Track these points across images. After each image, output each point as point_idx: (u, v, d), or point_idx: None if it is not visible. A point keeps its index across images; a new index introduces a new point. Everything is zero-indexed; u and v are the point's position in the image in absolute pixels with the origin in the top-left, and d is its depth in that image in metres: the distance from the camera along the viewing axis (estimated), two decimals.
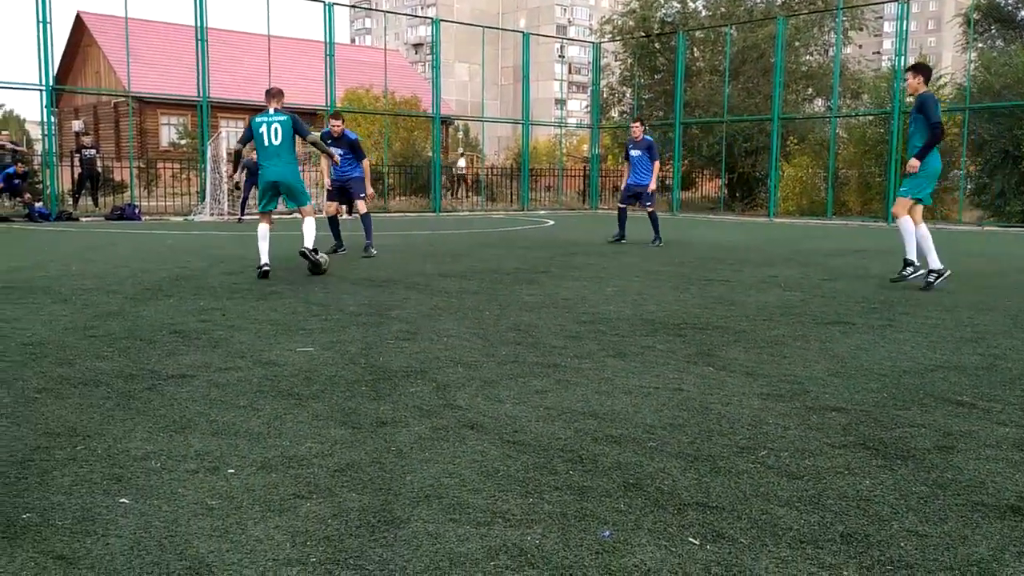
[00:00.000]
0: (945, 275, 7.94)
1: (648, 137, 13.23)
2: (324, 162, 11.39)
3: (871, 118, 24.89)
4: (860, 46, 38.47)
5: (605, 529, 2.47)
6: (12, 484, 2.75)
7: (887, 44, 77.94)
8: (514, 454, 3.12)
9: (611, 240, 13.50)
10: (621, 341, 5.28)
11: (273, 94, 8.57)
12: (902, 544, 2.39)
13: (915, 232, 7.95)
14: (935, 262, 7.92)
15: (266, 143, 8.36)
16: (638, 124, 13.16)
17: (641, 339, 5.35)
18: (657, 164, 13.09)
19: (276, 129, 8.32)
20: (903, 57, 22.35)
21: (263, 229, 8.49)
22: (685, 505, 2.65)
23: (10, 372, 4.23)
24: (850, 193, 25.39)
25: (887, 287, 8.14)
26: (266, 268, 8.23)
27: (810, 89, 30.26)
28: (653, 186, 13.11)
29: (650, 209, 13.18)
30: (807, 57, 30.29)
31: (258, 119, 8.43)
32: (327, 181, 11.47)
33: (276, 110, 8.47)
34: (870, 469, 3.00)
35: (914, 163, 7.81)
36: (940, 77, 25.39)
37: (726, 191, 28.77)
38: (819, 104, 30.77)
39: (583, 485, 2.82)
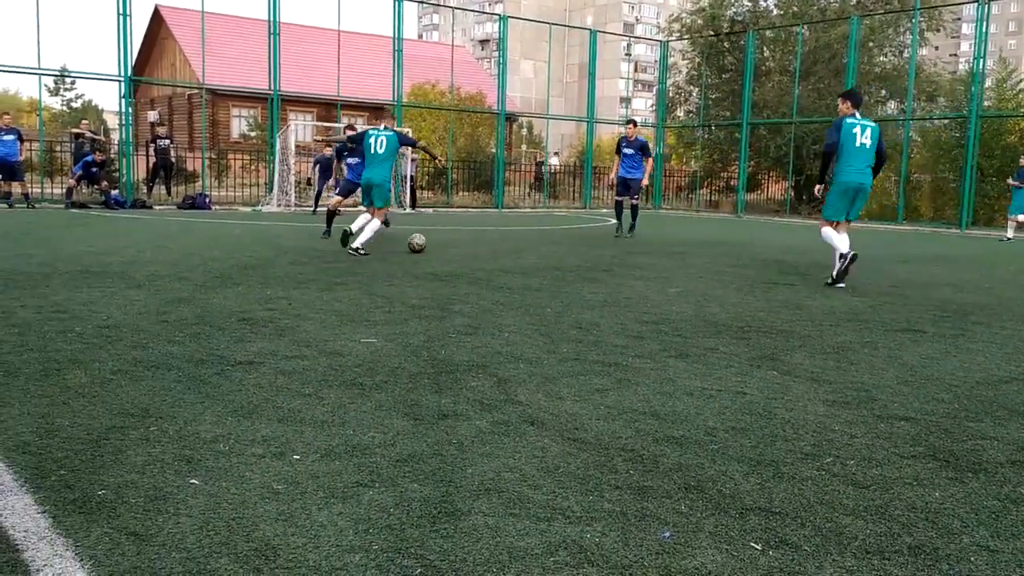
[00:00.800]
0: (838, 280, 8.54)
1: (641, 138, 14.40)
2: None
3: (946, 122, 24.19)
4: (937, 48, 37.39)
5: (665, 530, 2.45)
6: (88, 461, 2.85)
7: (965, 46, 75.58)
8: (574, 451, 3.12)
9: (616, 235, 14.28)
10: (683, 342, 5.23)
11: (386, 116, 10.70)
12: (972, 559, 2.32)
13: (830, 235, 8.74)
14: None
15: (373, 151, 10.29)
16: (632, 125, 14.73)
17: (704, 341, 5.29)
18: (650, 161, 14.38)
19: (382, 141, 10.29)
20: (982, 60, 21.65)
21: (364, 218, 10.47)
22: (747, 509, 2.62)
23: (87, 353, 4.38)
24: (922, 198, 24.74)
25: (959, 294, 7.91)
26: (351, 243, 9.98)
27: (883, 91, 29.52)
28: (645, 181, 14.44)
29: (635, 201, 14.35)
30: (881, 58, 29.53)
31: (372, 131, 10.46)
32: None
33: (387, 127, 10.61)
34: (940, 481, 2.92)
35: (817, 189, 9.02)
36: (1020, 81, 24.55)
37: (792, 193, 28.26)
38: (892, 106, 30.01)
39: (643, 485, 2.80)
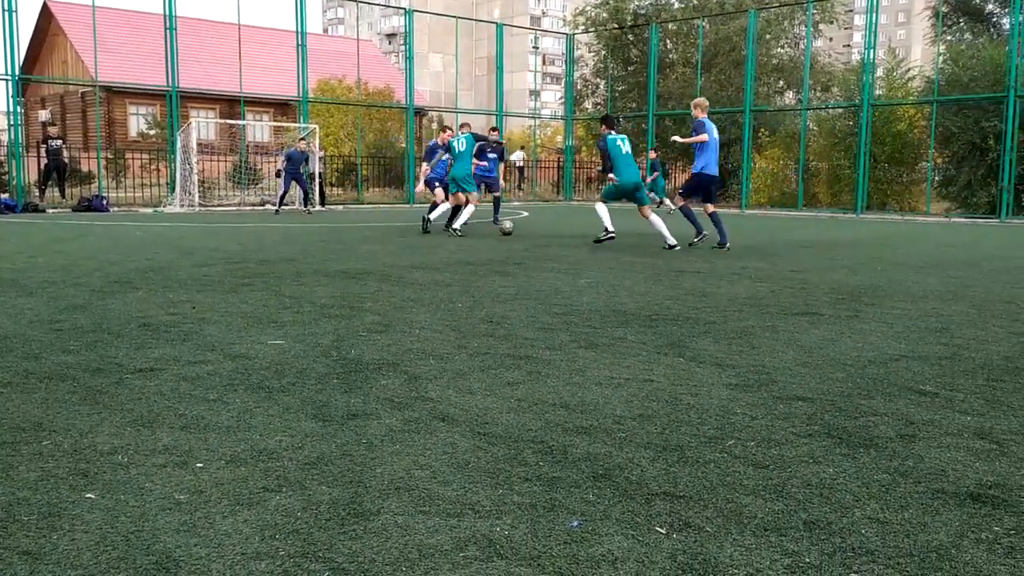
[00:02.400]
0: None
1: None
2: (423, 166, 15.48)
3: (841, 111, 25.15)
4: (831, 39, 38.82)
5: (574, 519, 2.49)
6: None
7: (857, 37, 78.62)
8: (484, 446, 3.14)
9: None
10: (593, 332, 5.31)
11: (463, 125, 14.32)
12: (863, 531, 2.43)
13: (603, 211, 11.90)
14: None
15: (456, 152, 13.35)
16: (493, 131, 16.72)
17: (613, 330, 5.38)
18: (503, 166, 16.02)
19: (463, 142, 13.36)
20: (873, 50, 22.57)
21: (471, 208, 13.31)
22: (653, 495, 2.68)
23: None
24: (820, 185, 25.66)
25: (855, 277, 8.25)
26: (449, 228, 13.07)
27: (781, 82, 30.54)
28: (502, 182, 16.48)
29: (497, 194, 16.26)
30: (778, 50, 30.53)
31: (453, 139, 13.57)
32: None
33: (465, 133, 13.72)
34: (834, 457, 3.05)
35: (610, 178, 11.75)
36: (909, 70, 25.70)
37: None
38: (790, 97, 31.06)
39: (552, 476, 2.84)
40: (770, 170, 26.42)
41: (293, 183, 19.86)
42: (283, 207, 19.73)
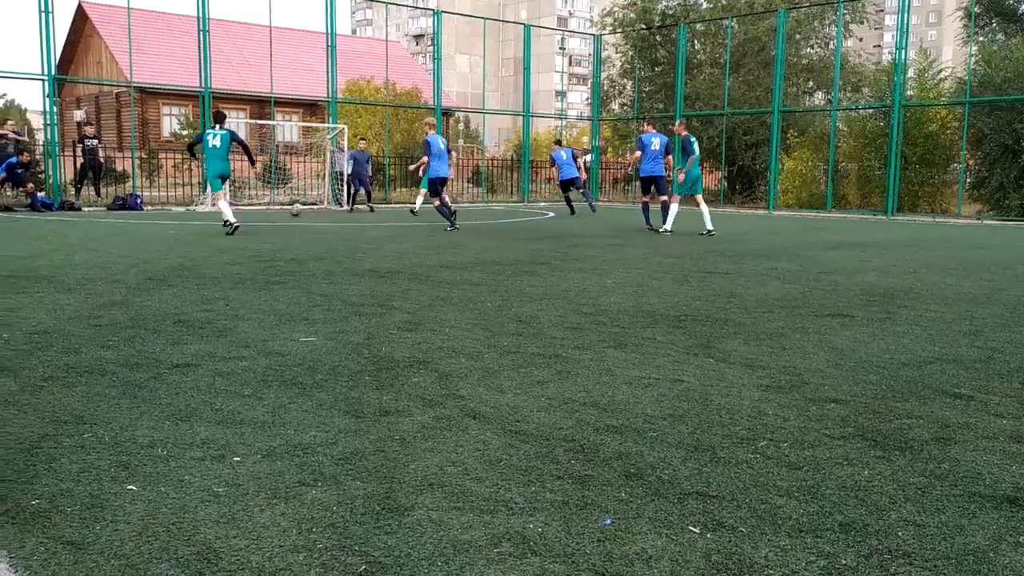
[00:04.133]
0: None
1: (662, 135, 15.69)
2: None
3: (871, 111, 24.89)
4: (861, 39, 38.41)
5: (606, 517, 2.50)
6: (21, 471, 2.78)
7: (888, 37, 77.78)
8: (516, 443, 3.16)
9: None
10: (622, 332, 5.31)
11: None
12: (899, 533, 2.42)
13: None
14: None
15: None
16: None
17: (641, 331, 5.38)
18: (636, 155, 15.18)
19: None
20: (904, 51, 22.33)
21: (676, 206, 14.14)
22: (685, 494, 2.69)
23: (16, 360, 4.26)
24: (850, 186, 25.42)
25: (886, 279, 8.18)
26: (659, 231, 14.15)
27: (811, 82, 30.27)
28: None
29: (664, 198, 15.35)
30: (808, 50, 30.28)
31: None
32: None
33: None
34: (868, 460, 3.03)
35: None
36: (940, 71, 25.39)
37: (725, 184, 28.78)
38: (819, 97, 30.78)
39: (584, 474, 2.85)
40: (798, 171, 26.19)
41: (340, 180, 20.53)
42: (355, 206, 20.73)
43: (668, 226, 13.98)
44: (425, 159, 14.13)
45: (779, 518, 2.51)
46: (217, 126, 12.83)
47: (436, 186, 14.29)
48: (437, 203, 14.41)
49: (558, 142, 21.99)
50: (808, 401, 3.79)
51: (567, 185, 20.25)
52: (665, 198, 14.42)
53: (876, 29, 44.83)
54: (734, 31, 28.30)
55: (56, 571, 2.12)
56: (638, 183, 17.09)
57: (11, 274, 7.46)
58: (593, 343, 4.98)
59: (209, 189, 15.65)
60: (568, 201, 20.62)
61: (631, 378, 4.16)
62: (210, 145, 12.68)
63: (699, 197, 14.44)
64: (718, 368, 4.40)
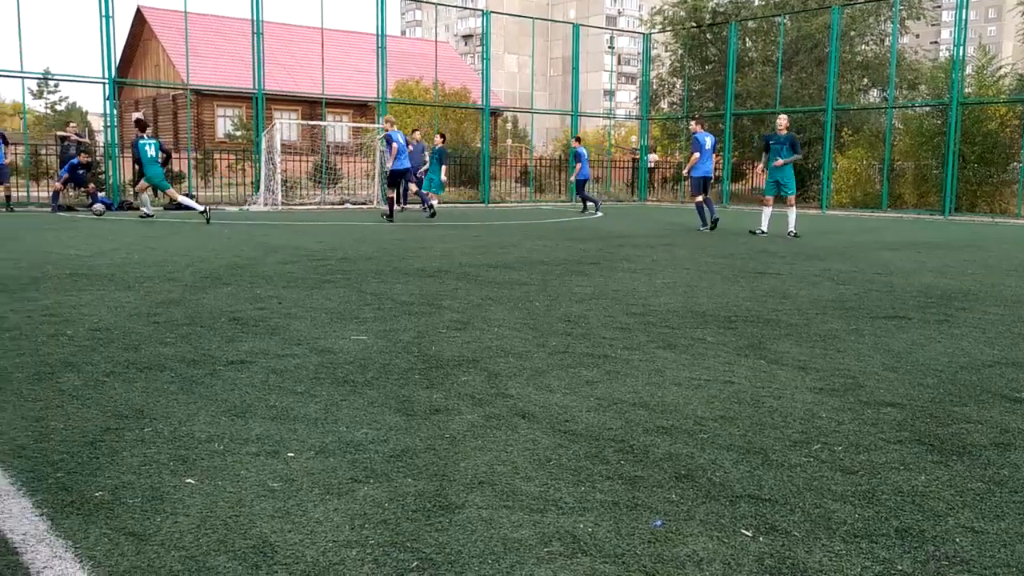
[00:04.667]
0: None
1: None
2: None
3: (928, 109, 24.35)
4: (917, 36, 37.60)
5: (657, 519, 2.50)
6: (84, 464, 2.87)
7: (945, 33, 76.01)
8: (565, 443, 3.16)
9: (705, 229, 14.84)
10: (671, 333, 5.28)
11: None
12: (958, 540, 2.38)
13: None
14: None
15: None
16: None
17: (691, 331, 5.34)
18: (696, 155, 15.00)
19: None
20: (962, 47, 21.80)
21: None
22: (737, 497, 2.67)
23: (80, 356, 4.39)
24: (905, 185, 24.90)
25: (944, 280, 8.00)
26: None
27: (865, 79, 29.68)
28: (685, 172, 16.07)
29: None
30: (863, 47, 29.69)
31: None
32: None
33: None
34: (926, 465, 2.98)
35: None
36: (1000, 67, 24.73)
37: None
38: (875, 95, 30.18)
39: (634, 475, 2.85)
40: (852, 170, 25.72)
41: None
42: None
43: (764, 227, 13.84)
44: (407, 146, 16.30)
45: (834, 522, 2.48)
46: (145, 135, 15.43)
47: (397, 179, 16.44)
48: (392, 194, 16.52)
49: (578, 139, 22.10)
50: (863, 404, 3.73)
51: (584, 185, 21.05)
52: (700, 198, 14.85)
53: (933, 25, 43.86)
54: (786, 28, 27.89)
55: (119, 561, 2.18)
56: (687, 182, 17.25)
57: (74, 272, 7.67)
58: (642, 343, 4.96)
59: (159, 190, 16.95)
60: (585, 200, 21.12)
61: (681, 379, 4.13)
62: (149, 155, 15.42)
63: (791, 198, 13.96)
64: (770, 370, 4.35)
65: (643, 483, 2.77)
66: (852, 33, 28.26)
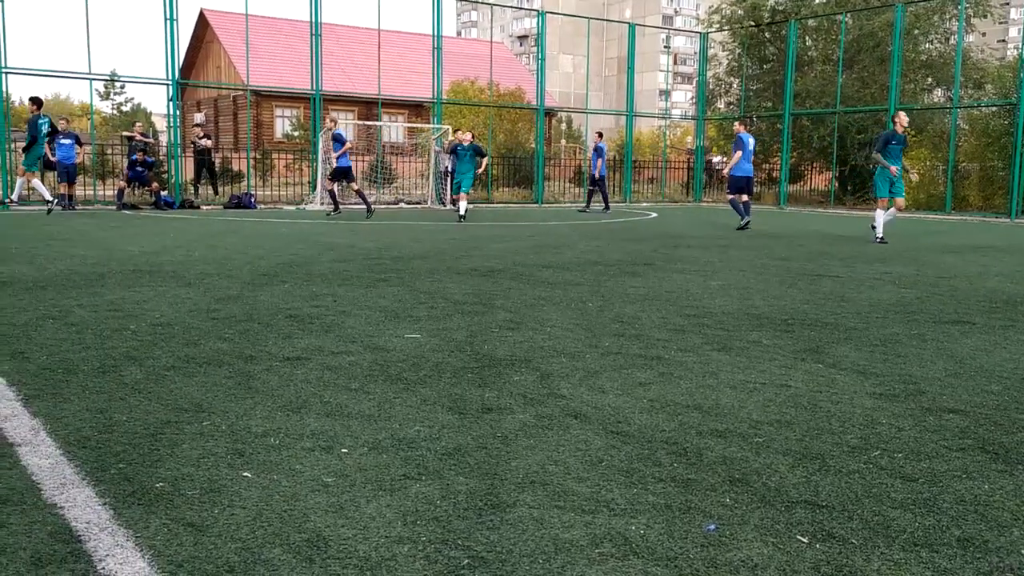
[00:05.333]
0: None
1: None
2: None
3: (995, 109, 23.66)
4: (984, 34, 36.56)
5: (710, 523, 2.46)
6: (146, 455, 2.94)
7: (1013, 32, 73.72)
8: (618, 444, 3.14)
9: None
10: (726, 335, 5.21)
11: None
12: (1022, 551, 2.30)
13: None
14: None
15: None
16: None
17: (747, 334, 5.27)
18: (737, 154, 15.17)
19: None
20: None
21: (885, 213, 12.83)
22: (793, 503, 2.62)
23: (142, 351, 4.50)
24: (971, 187, 24.24)
25: (1010, 285, 7.76)
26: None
27: (929, 79, 28.92)
28: (725, 172, 15.96)
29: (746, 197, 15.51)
30: (927, 45, 28.95)
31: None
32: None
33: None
34: (989, 473, 2.89)
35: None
36: None
37: (837, 184, 27.86)
38: (939, 94, 29.41)
39: (687, 478, 2.82)
40: (916, 171, 25.14)
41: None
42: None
43: (880, 234, 12.66)
44: (347, 145, 17.38)
45: (893, 531, 2.42)
46: (40, 112, 17.18)
47: (341, 176, 17.45)
48: (351, 188, 18.01)
49: (600, 134, 21.96)
50: (925, 411, 3.64)
51: (603, 181, 21.22)
52: (747, 198, 15.17)
53: (1001, 23, 42.58)
54: (848, 26, 27.34)
55: (177, 551, 2.23)
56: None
57: (137, 268, 7.88)
58: (696, 345, 4.91)
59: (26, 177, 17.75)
60: (605, 198, 21.26)
61: (736, 382, 4.08)
62: (44, 132, 17.14)
63: (900, 201, 12.97)
64: (828, 374, 4.27)
65: (696, 486, 2.74)
66: (916, 31, 27.57)
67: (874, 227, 12.91)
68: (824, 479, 2.82)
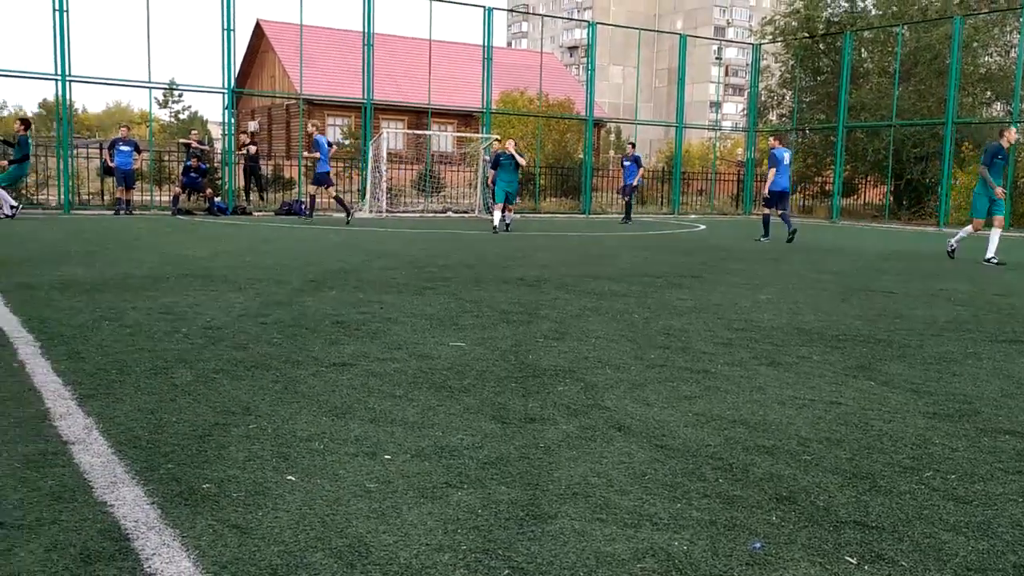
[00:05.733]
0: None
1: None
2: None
3: None
4: None
5: (756, 540, 2.42)
6: (194, 456, 2.98)
7: None
8: (662, 458, 3.11)
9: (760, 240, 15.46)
10: (775, 350, 5.13)
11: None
12: None
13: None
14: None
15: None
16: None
17: (796, 349, 5.18)
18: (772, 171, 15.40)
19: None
20: None
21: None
22: (842, 522, 2.56)
23: (193, 353, 4.58)
24: None
25: None
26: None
27: (989, 92, 28.25)
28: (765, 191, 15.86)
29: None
30: (986, 58, 28.28)
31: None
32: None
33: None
34: None
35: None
36: None
37: (891, 198, 27.32)
38: (998, 108, 28.71)
39: (733, 494, 2.77)
40: (973, 186, 24.55)
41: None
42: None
43: (991, 254, 11.80)
44: (317, 155, 17.56)
45: (945, 554, 2.35)
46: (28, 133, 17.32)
47: (322, 181, 17.89)
48: (329, 194, 18.36)
49: (632, 145, 21.74)
50: (980, 432, 3.54)
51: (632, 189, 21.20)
52: (769, 210, 15.61)
53: None
54: (905, 39, 26.84)
55: (222, 552, 2.26)
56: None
57: (190, 273, 8.03)
58: (744, 360, 4.84)
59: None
60: (628, 208, 21.21)
61: (784, 398, 4.01)
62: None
63: (999, 219, 12.24)
64: (880, 392, 4.18)
65: (742, 503, 2.70)
66: (975, 44, 26.96)
67: (952, 248, 12.52)
68: (874, 499, 2.76)
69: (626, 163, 20.97)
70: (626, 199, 21.12)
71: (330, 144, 18.38)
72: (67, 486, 2.68)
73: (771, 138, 16.10)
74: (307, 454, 3.04)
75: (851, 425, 3.59)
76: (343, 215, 18.08)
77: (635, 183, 21.02)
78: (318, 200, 19.63)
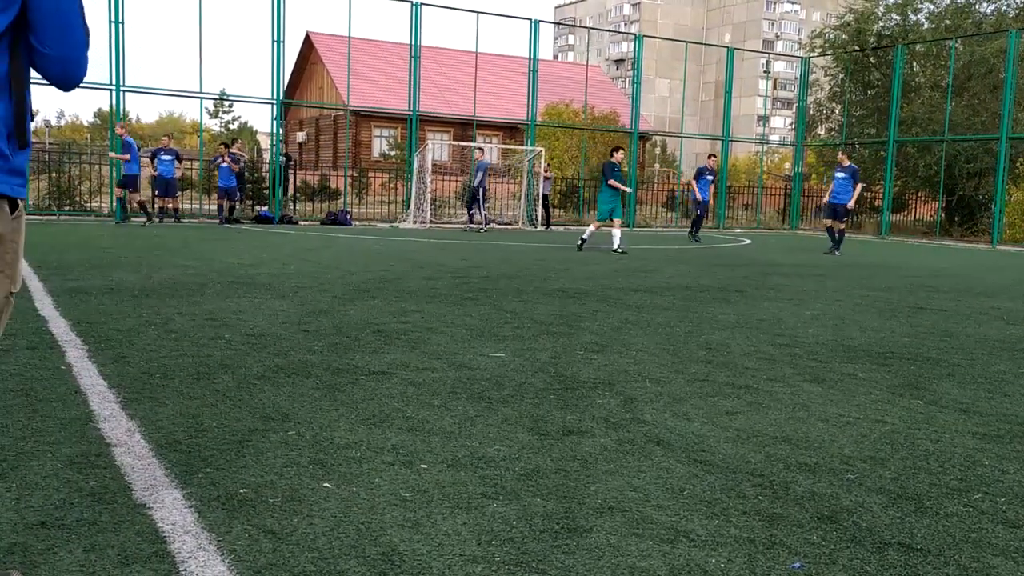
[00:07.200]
0: None
1: (853, 165, 16.38)
2: None
3: None
4: None
5: (796, 561, 2.37)
6: (232, 461, 3.01)
7: None
8: (701, 473, 3.06)
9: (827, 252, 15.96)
10: (819, 366, 5.04)
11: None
12: None
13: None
14: None
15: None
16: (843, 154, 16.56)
17: (841, 366, 5.08)
18: (859, 187, 16.07)
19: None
20: None
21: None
22: (886, 544, 2.49)
23: (235, 359, 4.63)
24: None
25: None
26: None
27: None
28: (851, 204, 16.17)
29: (842, 226, 16.19)
30: None
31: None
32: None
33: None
34: None
35: None
36: None
37: (943, 214, 26.77)
38: None
39: (773, 512, 2.71)
40: None
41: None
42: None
43: None
44: (127, 156, 16.99)
45: None
46: None
47: (134, 182, 17.40)
48: (132, 198, 17.67)
49: (712, 156, 20.73)
50: None
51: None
52: (843, 225, 16.11)
53: None
54: (958, 52, 26.33)
55: (257, 557, 2.27)
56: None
57: (235, 280, 8.14)
58: (787, 376, 4.76)
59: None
60: (698, 222, 19.28)
61: (828, 415, 3.93)
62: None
63: None
64: (927, 411, 4.07)
65: (782, 521, 2.64)
66: None
67: None
68: (920, 521, 2.68)
69: (708, 177, 18.69)
70: (698, 213, 19.01)
71: (139, 147, 18.37)
72: (108, 488, 2.72)
73: (840, 153, 16.79)
74: (344, 462, 3.05)
75: (896, 444, 3.50)
76: (156, 221, 17.87)
77: (705, 199, 18.76)
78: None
